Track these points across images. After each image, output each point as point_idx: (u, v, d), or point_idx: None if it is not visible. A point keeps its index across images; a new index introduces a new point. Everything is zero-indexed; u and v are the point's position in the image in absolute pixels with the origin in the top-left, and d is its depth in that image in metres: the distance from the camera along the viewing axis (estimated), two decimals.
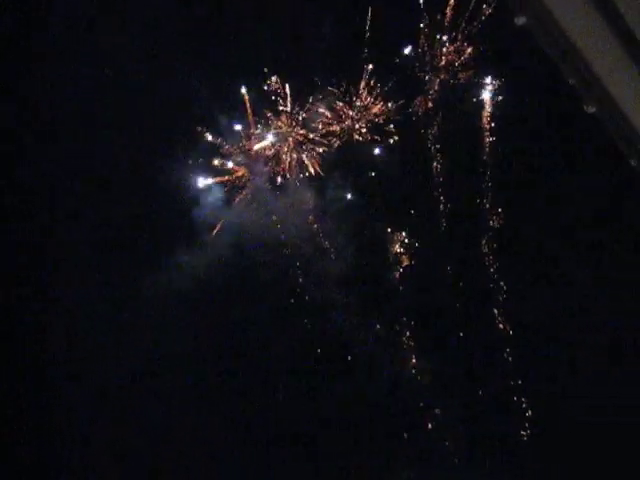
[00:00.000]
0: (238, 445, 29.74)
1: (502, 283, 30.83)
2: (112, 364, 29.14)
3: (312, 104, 30.55)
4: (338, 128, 30.93)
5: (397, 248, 31.61)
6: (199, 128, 30.34)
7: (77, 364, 29.30)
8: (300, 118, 30.67)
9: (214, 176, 30.80)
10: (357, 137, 30.94)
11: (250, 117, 30.45)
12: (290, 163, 30.91)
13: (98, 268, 29.87)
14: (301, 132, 30.77)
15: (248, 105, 30.21)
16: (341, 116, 30.90)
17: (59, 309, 29.28)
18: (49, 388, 28.80)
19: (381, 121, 30.80)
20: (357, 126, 30.84)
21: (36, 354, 28.48)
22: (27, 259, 28.50)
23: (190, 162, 30.65)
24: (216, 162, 30.78)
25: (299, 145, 30.90)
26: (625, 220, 28.13)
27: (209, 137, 30.50)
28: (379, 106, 30.69)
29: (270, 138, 30.78)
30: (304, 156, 30.78)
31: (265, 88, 30.35)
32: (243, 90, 30.12)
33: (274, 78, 30.01)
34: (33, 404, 28.29)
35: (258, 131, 30.67)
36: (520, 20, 7.23)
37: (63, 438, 28.92)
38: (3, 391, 27.24)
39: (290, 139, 30.75)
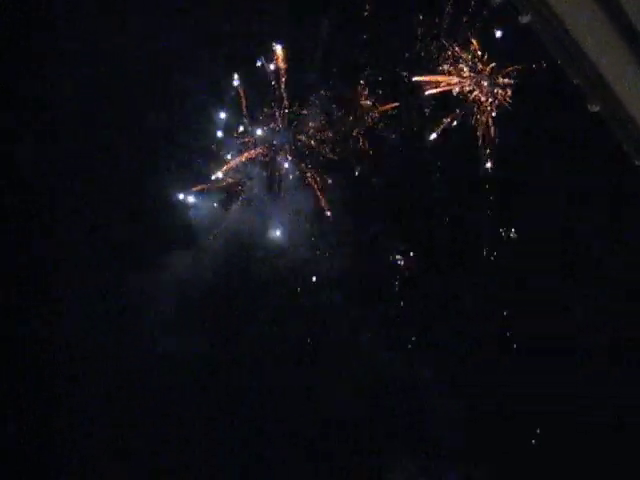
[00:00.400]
0: (238, 445, 29.75)
1: (502, 284, 30.85)
2: (112, 364, 29.14)
3: (309, 109, 30.53)
4: (334, 133, 30.90)
5: (396, 251, 31.60)
6: (196, 130, 30.37)
7: (77, 364, 29.29)
8: (297, 123, 30.66)
9: (213, 180, 30.79)
10: (354, 142, 30.91)
11: (247, 121, 30.46)
12: (287, 168, 30.91)
13: (98, 269, 29.87)
14: (298, 137, 30.75)
15: (245, 110, 30.20)
16: (338, 121, 30.88)
17: (59, 309, 29.26)
18: (49, 388, 28.78)
19: (380, 126, 30.77)
20: (355, 132, 30.82)
21: (36, 354, 28.45)
22: (27, 259, 28.49)
23: (191, 164, 30.67)
24: (215, 165, 30.77)
25: (296, 150, 30.88)
26: (625, 220, 28.18)
27: (208, 141, 30.52)
28: (376, 111, 30.66)
29: (267, 143, 30.76)
30: (302, 164, 30.78)
31: (263, 92, 30.36)
32: (241, 92, 30.12)
33: (273, 82, 30.00)
34: (33, 404, 28.26)
35: (256, 134, 30.66)
36: (524, 19, 7.25)
37: (63, 438, 28.89)
38: (3, 391, 27.22)
39: (287, 144, 30.74)
